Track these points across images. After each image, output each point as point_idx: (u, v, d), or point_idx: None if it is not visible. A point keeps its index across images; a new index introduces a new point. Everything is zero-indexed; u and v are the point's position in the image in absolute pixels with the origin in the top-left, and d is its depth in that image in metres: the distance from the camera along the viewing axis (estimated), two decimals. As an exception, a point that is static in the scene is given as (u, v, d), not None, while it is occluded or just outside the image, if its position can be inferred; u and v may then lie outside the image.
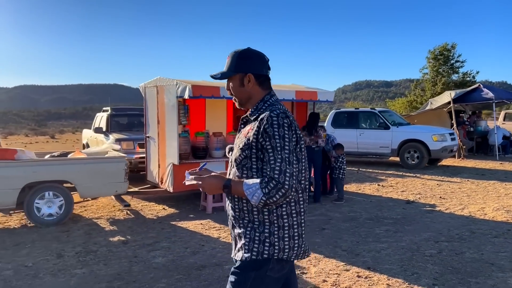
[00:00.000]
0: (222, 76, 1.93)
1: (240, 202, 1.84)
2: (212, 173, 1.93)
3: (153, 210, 6.77)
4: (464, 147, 13.09)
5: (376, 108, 12.70)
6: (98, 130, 9.75)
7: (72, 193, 5.93)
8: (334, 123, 12.45)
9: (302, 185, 1.85)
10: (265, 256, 1.78)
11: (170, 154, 6.79)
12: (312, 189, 7.22)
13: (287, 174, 1.68)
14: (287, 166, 1.69)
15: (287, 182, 1.68)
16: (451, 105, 13.60)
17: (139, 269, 4.18)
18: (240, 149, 1.83)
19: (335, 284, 3.75)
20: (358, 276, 3.91)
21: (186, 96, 6.29)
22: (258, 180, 1.72)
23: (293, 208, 1.82)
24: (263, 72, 1.91)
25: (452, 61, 23.27)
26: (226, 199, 1.93)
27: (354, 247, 4.76)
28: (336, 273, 4.00)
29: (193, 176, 1.89)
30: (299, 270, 4.06)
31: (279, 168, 1.69)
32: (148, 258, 4.49)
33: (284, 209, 1.80)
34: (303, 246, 1.86)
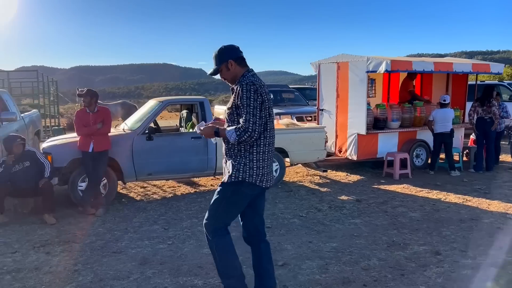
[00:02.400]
0: (214, 72, 2.77)
1: (228, 143, 2.70)
2: (209, 125, 2.80)
3: (338, 176, 7.44)
4: None
5: (504, 81, 12.58)
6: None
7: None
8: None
9: (268, 133, 2.67)
10: (239, 179, 2.63)
11: (355, 125, 7.36)
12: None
13: (251, 122, 2.51)
14: (251, 117, 2.51)
15: (250, 127, 2.51)
16: None
17: (405, 220, 4.82)
18: (228, 108, 2.70)
19: None
20: None
21: (381, 71, 6.78)
22: (234, 127, 2.57)
23: (261, 149, 2.65)
24: (237, 55, 2.71)
25: None
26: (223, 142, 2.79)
27: None
28: None
29: (201, 128, 2.80)
30: (561, 225, 4.53)
31: (245, 118, 2.52)
32: (398, 213, 5.12)
33: (254, 149, 2.63)
34: (265, 175, 2.68)
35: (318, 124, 8.34)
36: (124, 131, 5.95)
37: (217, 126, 2.75)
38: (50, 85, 12.11)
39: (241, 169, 2.62)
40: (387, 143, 7.56)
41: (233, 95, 2.65)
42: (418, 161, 7.83)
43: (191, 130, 6.63)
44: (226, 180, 2.68)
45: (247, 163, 2.62)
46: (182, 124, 7.14)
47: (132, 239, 4.38)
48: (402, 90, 8.29)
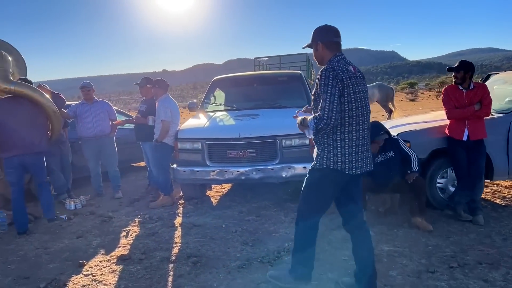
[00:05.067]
0: (305, 46, 2.85)
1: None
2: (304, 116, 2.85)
3: None
4: None
5: None
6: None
7: None
8: None
9: (354, 120, 2.56)
10: (324, 166, 2.62)
11: None
12: None
13: (326, 110, 2.46)
14: (327, 105, 2.46)
15: (326, 115, 2.46)
16: None
17: None
18: (312, 94, 2.72)
19: None
20: None
21: None
22: (313, 116, 2.57)
23: (345, 136, 2.57)
24: (328, 39, 2.68)
25: None
26: None
27: None
28: None
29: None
30: None
31: (321, 106, 2.50)
32: None
33: (338, 136, 2.57)
34: (353, 162, 2.59)
35: None
36: (492, 114, 4.52)
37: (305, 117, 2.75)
38: (311, 69, 12.05)
39: (325, 156, 2.61)
40: None
41: (316, 81, 2.62)
42: None
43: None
44: (311, 167, 2.72)
45: (331, 151, 2.59)
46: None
47: None
48: None
